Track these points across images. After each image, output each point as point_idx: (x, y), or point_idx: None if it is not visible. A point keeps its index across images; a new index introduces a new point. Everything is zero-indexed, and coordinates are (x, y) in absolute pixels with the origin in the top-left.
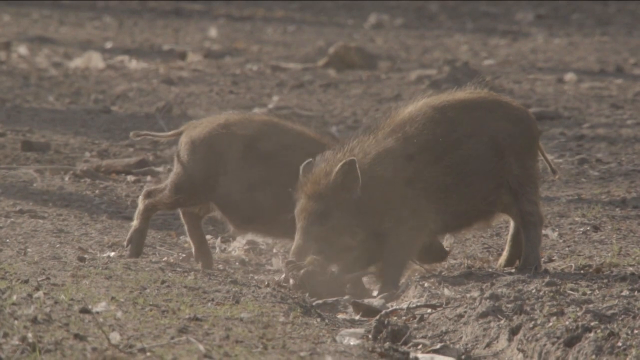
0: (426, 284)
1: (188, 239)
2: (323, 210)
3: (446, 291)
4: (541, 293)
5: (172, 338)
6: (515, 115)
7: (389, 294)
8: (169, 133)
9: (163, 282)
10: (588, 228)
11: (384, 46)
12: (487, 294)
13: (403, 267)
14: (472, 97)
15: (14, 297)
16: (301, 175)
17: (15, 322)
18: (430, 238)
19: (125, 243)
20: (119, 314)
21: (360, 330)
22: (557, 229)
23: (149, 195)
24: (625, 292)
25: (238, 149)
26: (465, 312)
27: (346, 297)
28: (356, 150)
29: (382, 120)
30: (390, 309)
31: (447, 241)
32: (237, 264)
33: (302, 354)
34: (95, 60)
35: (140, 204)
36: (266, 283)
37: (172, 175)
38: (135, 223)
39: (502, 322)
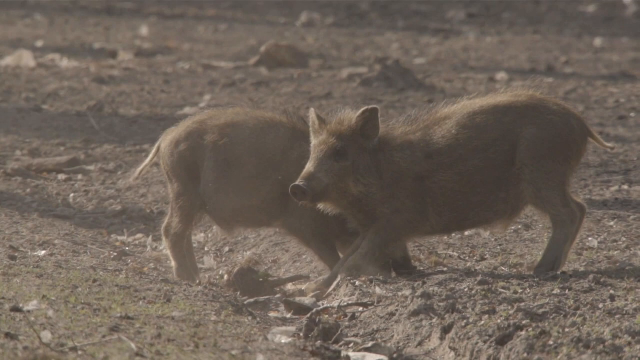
0: (357, 282)
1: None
2: (341, 148)
3: (378, 289)
4: (473, 292)
5: (104, 337)
6: (548, 120)
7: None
8: (151, 155)
9: (95, 280)
10: (519, 227)
11: (315, 44)
12: (419, 293)
13: (376, 254)
14: (510, 100)
15: None
16: (318, 116)
17: None
18: (425, 236)
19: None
20: (51, 312)
21: (291, 329)
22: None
23: (167, 230)
24: (557, 291)
25: (211, 139)
26: (397, 310)
27: (277, 295)
28: (387, 132)
29: (423, 115)
30: (322, 307)
31: None
32: (168, 262)
33: (233, 352)
34: (26, 59)
35: (166, 242)
36: (198, 282)
37: (169, 194)
38: (174, 264)
39: (434, 320)
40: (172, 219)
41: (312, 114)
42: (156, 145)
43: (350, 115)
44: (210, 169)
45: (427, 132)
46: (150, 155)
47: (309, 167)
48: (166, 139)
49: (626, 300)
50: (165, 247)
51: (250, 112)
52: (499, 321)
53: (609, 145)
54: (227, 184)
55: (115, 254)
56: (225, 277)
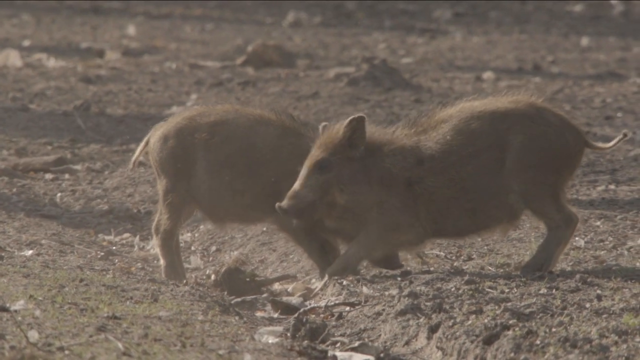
0: (345, 282)
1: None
2: (324, 160)
3: (365, 289)
4: (460, 291)
5: (91, 336)
6: (541, 132)
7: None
8: (142, 145)
9: (81, 280)
10: None
11: (302, 44)
12: (405, 292)
13: (363, 256)
14: (508, 107)
15: None
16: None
17: None
18: (418, 240)
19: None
20: (38, 312)
21: (278, 328)
22: None
23: (157, 228)
24: (543, 291)
25: (202, 137)
26: (384, 310)
27: (264, 295)
28: (382, 137)
29: (421, 118)
30: (309, 306)
31: None
32: (155, 262)
33: (220, 352)
34: (13, 58)
35: (156, 240)
36: (185, 281)
37: (158, 190)
38: (162, 262)
39: (421, 320)
40: (161, 216)
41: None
42: (145, 139)
43: (339, 126)
44: (202, 168)
45: (422, 136)
46: (140, 147)
47: (295, 185)
48: (155, 135)
49: (613, 299)
50: (154, 246)
51: (239, 110)
52: (485, 321)
53: (609, 145)
54: (219, 182)
55: (102, 253)
56: (212, 276)
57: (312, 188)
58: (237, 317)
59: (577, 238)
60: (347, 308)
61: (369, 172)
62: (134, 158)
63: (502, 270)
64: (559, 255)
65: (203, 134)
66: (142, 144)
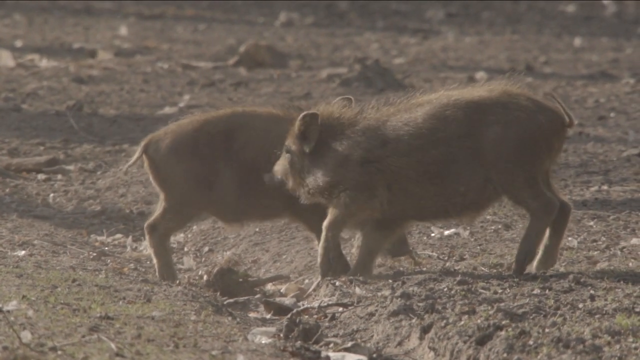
0: (337, 283)
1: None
2: (287, 146)
3: (357, 290)
4: (453, 292)
5: (84, 337)
6: (513, 118)
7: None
8: (134, 158)
9: (74, 280)
10: (499, 226)
11: (294, 44)
12: (398, 293)
13: (330, 248)
14: (483, 96)
15: None
16: None
17: None
18: (378, 216)
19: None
20: (30, 312)
21: (271, 329)
22: (468, 228)
23: (153, 228)
24: (536, 291)
25: (218, 145)
26: (376, 310)
27: (257, 295)
28: (352, 115)
29: (401, 99)
30: (302, 307)
31: None
32: (148, 262)
33: (213, 352)
34: (5, 59)
35: (150, 240)
36: (177, 282)
37: (164, 197)
38: (156, 261)
39: (413, 320)
40: (167, 222)
41: None
42: (141, 148)
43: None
44: (227, 178)
45: (393, 117)
46: (136, 155)
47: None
48: (160, 149)
49: (606, 300)
50: (147, 245)
51: (248, 112)
52: (478, 321)
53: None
54: (244, 188)
55: (95, 254)
56: (205, 277)
57: (281, 168)
58: (230, 318)
59: (570, 238)
60: (340, 309)
61: (324, 156)
62: (130, 163)
63: (494, 270)
64: (557, 244)
65: (220, 143)
66: (138, 153)
